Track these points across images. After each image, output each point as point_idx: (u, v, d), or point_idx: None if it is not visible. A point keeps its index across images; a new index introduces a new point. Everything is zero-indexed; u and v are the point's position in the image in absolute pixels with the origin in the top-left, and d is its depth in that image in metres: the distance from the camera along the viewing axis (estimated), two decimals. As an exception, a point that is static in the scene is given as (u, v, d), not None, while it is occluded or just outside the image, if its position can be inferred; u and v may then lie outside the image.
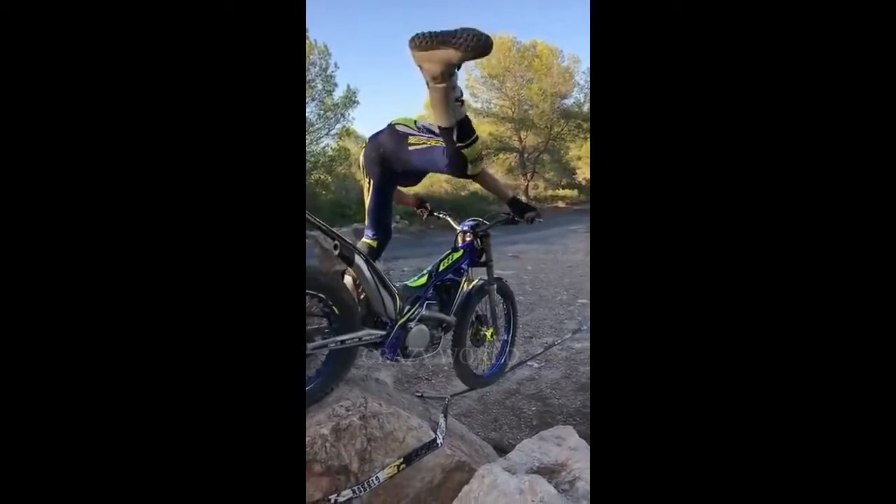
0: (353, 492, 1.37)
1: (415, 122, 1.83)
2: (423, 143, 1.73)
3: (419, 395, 2.05)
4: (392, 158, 1.80)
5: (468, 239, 2.06)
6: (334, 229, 1.76)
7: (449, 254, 2.00)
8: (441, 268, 1.94)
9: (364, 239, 1.97)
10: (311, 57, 15.17)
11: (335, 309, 1.55)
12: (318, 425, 1.43)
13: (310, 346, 1.49)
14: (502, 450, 2.02)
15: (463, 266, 2.03)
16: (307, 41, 14.86)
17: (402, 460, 1.44)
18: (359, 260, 1.65)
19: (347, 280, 1.77)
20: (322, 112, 15.75)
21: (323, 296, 1.52)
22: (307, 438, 1.41)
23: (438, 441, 1.51)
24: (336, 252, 1.61)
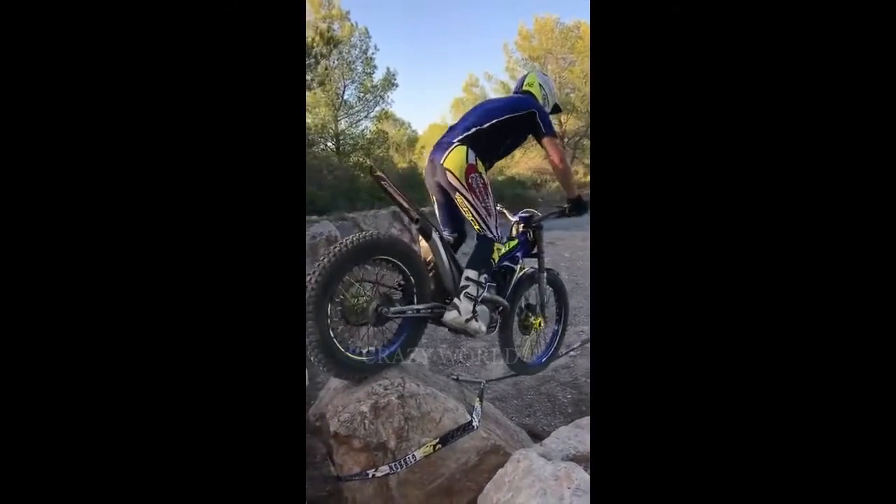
0: (391, 468, 1.40)
1: (465, 163, 1.80)
2: (466, 210, 1.84)
3: (455, 377, 2.07)
4: (448, 190, 1.87)
5: (522, 229, 2.16)
6: (372, 212, 1.79)
7: (506, 242, 2.06)
8: (499, 255, 2.01)
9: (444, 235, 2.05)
10: (352, 39, 15.23)
11: (411, 277, 1.64)
12: (357, 402, 1.47)
13: (392, 310, 1.59)
14: (536, 435, 2.02)
15: (518, 254, 2.10)
16: (348, 23, 14.92)
17: (438, 440, 1.47)
18: (436, 236, 1.74)
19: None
20: (362, 94, 15.86)
21: (400, 262, 1.60)
22: (346, 415, 1.45)
23: (474, 423, 1.53)
24: (416, 225, 1.70)
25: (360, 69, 15.81)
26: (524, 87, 2.16)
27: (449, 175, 1.81)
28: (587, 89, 18.39)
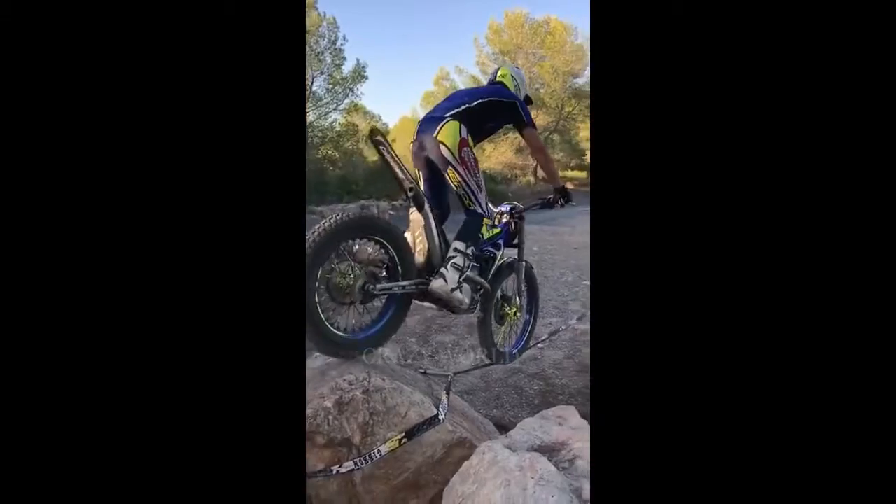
0: (355, 464, 1.39)
1: (458, 137, 1.83)
2: (457, 184, 1.87)
3: (422, 371, 2.07)
4: (439, 165, 1.88)
5: (504, 220, 2.20)
6: (340, 206, 1.79)
7: (490, 227, 2.10)
8: (486, 235, 2.05)
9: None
10: (320, 29, 14.94)
11: (395, 253, 1.63)
12: (321, 398, 1.45)
13: (378, 287, 1.58)
14: (503, 427, 2.04)
15: (500, 241, 2.15)
16: (315, 13, 14.62)
17: (403, 435, 1.46)
18: (427, 207, 1.76)
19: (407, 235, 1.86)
20: (331, 86, 15.58)
21: (383, 240, 1.59)
22: (309, 411, 1.42)
23: (440, 417, 1.52)
24: (411, 193, 1.70)
25: (328, 60, 15.52)
26: (497, 79, 2.23)
27: (442, 148, 1.82)
28: (556, 84, 18.64)
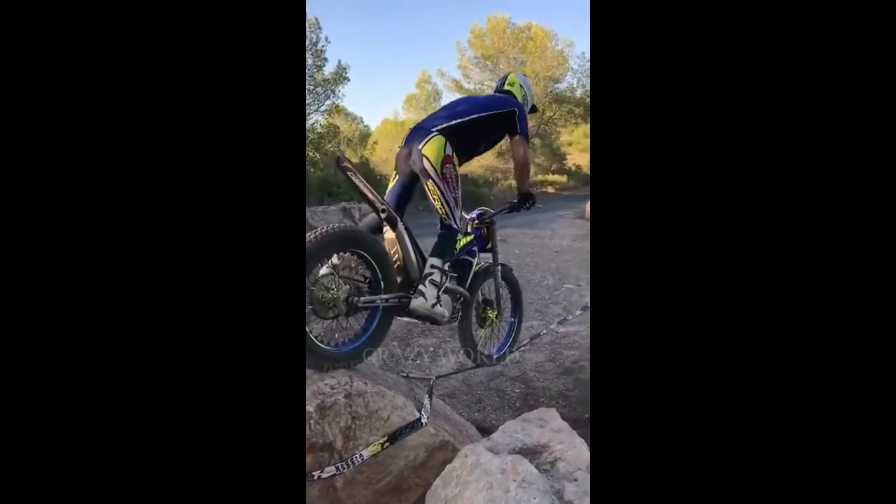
0: (337, 469, 1.38)
1: (442, 153, 1.86)
2: (436, 198, 1.88)
3: (404, 375, 2.06)
4: (420, 175, 1.91)
5: (476, 225, 2.25)
6: (321, 208, 1.78)
7: (463, 236, 2.13)
8: (458, 247, 2.08)
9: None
10: (302, 30, 14.77)
11: (377, 268, 1.65)
12: (302, 403, 1.43)
13: (362, 299, 1.60)
14: (485, 430, 2.05)
15: (474, 248, 2.19)
16: (297, 13, 14.45)
17: (386, 439, 1.45)
18: (401, 226, 1.78)
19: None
20: (312, 87, 15.41)
21: (366, 253, 1.61)
22: (291, 415, 1.41)
23: (423, 420, 1.53)
24: (384, 214, 1.72)
25: (309, 61, 15.34)
26: (505, 87, 2.28)
27: (425, 161, 1.85)
28: (537, 89, 18.75)
